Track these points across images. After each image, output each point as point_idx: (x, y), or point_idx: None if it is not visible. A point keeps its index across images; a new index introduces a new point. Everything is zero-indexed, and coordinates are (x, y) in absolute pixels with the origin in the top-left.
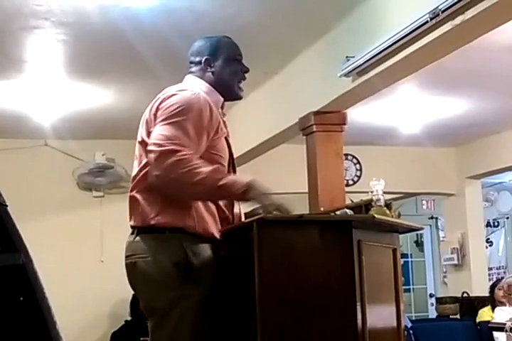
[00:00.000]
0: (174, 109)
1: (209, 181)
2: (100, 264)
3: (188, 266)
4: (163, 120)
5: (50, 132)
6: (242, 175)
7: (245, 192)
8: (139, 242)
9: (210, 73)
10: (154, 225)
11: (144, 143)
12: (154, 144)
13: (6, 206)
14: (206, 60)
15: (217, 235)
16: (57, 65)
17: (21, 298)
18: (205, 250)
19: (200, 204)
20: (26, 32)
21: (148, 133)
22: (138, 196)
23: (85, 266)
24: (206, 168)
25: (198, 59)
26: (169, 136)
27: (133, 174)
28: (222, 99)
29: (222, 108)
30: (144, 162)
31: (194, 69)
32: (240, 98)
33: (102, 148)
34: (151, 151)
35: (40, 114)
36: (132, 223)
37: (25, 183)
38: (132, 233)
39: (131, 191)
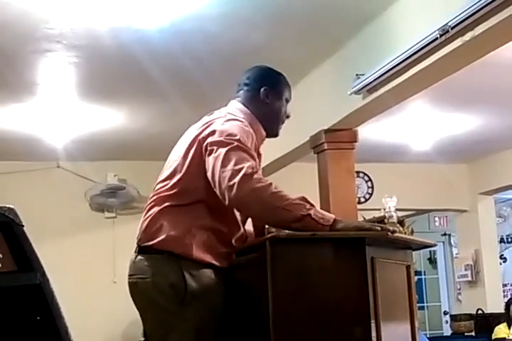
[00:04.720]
0: (230, 134)
1: (297, 207)
2: (113, 285)
3: (186, 288)
4: (221, 146)
5: (62, 154)
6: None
7: (334, 224)
8: (139, 262)
9: (262, 104)
10: (153, 246)
11: (180, 166)
12: (232, 170)
13: (23, 226)
14: (266, 89)
15: (216, 263)
16: (69, 87)
17: (38, 318)
18: (205, 273)
19: (199, 233)
20: (38, 55)
21: (189, 154)
22: (146, 213)
23: (98, 287)
24: (291, 195)
25: (256, 85)
26: (239, 159)
27: (153, 191)
28: (264, 133)
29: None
30: (167, 180)
31: (245, 94)
32: (275, 136)
33: (113, 170)
34: (229, 175)
35: (52, 136)
36: (136, 240)
37: (37, 205)
38: (135, 251)
39: (145, 208)
